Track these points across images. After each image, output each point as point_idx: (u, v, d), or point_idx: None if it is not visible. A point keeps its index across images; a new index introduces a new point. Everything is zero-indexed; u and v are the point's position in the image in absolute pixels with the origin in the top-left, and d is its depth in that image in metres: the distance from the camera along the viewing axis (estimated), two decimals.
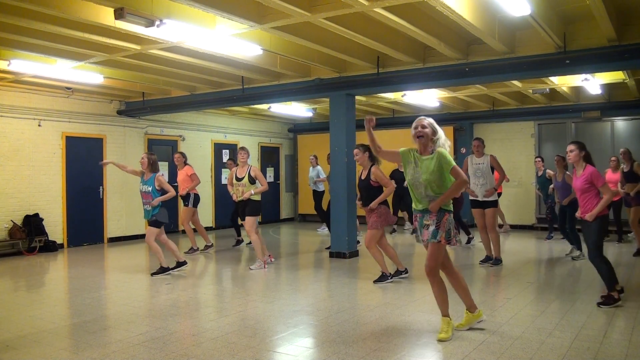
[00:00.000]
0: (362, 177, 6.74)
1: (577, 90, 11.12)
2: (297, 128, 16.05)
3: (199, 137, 13.25)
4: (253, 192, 7.72)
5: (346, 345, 4.28)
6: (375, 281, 6.71)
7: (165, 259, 7.43)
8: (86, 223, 10.78)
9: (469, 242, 10.22)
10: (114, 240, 11.19)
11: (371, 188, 6.60)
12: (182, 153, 9.64)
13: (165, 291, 6.54)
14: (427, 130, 4.34)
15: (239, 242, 10.47)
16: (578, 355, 4.04)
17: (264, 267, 7.83)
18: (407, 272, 6.94)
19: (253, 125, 14.91)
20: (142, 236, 11.65)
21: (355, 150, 6.76)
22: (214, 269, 8.30)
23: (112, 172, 10.92)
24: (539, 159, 10.71)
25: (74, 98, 10.63)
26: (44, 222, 9.91)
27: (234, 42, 6.71)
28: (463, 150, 13.54)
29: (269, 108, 12.19)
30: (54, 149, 10.29)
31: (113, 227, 11.23)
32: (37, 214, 9.84)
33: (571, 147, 5.53)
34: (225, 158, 13.68)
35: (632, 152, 9.09)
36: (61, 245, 10.30)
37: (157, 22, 5.71)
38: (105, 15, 5.82)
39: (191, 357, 4.06)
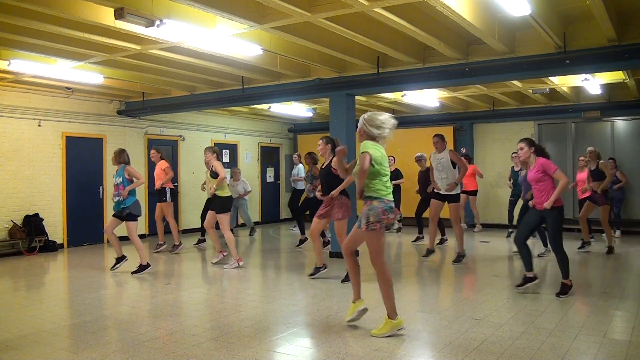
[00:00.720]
0: (323, 167, 6.87)
1: (577, 90, 11.12)
2: (297, 128, 16.04)
3: (199, 137, 13.24)
4: (213, 187, 7.93)
5: (346, 345, 4.28)
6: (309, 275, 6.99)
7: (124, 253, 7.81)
8: (86, 223, 10.77)
9: (441, 242, 10.16)
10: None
11: (333, 176, 6.52)
12: (157, 149, 9.84)
13: (165, 291, 6.54)
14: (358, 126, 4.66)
15: (200, 241, 10.54)
16: (578, 355, 4.04)
17: (238, 265, 7.93)
18: (326, 268, 7.12)
19: (253, 125, 14.91)
20: (142, 236, 11.66)
21: (319, 142, 6.83)
22: (213, 269, 8.29)
23: (112, 172, 10.89)
24: (516, 154, 10.86)
25: (74, 98, 10.63)
26: (44, 222, 9.91)
27: (234, 42, 6.70)
28: (463, 150, 13.53)
29: (269, 108, 12.18)
30: (54, 149, 10.30)
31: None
32: (37, 214, 9.83)
33: (520, 145, 5.91)
34: (225, 158, 13.69)
35: (599, 152, 9.32)
36: (61, 245, 10.30)
37: (157, 22, 5.70)
38: (105, 15, 5.82)
39: (191, 357, 4.06)
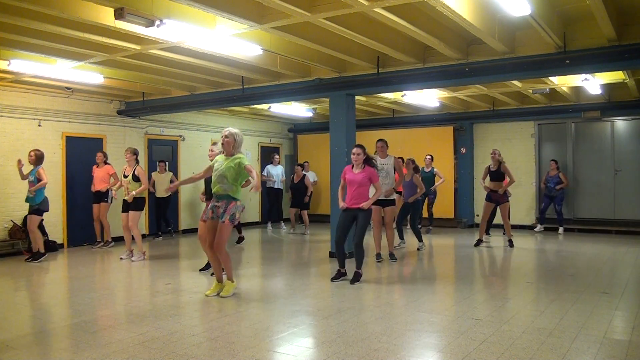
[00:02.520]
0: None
1: (577, 90, 11.13)
2: (297, 128, 16.04)
3: (199, 137, 13.24)
4: (135, 193, 8.48)
5: (346, 345, 4.28)
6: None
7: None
8: (86, 223, 10.76)
9: (398, 245, 9.96)
10: (114, 240, 11.16)
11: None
12: (103, 152, 10.22)
13: (165, 291, 6.54)
14: (228, 139, 5.86)
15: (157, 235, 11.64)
16: (578, 355, 4.04)
17: (144, 258, 8.71)
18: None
19: (253, 125, 14.91)
20: (142, 236, 11.66)
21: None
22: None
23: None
24: (429, 157, 11.92)
25: (74, 98, 10.62)
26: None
27: (234, 42, 6.70)
28: (463, 151, 13.55)
29: (269, 108, 12.18)
30: (54, 149, 10.29)
31: (113, 227, 11.19)
32: None
33: (358, 150, 6.69)
34: None
35: (502, 154, 10.01)
36: (61, 245, 10.30)
37: (157, 22, 5.70)
38: (105, 15, 5.82)
39: (191, 357, 4.06)
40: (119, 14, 5.37)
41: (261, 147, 15.23)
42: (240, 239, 10.61)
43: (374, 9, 5.49)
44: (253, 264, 8.73)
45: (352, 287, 6.59)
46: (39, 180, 8.51)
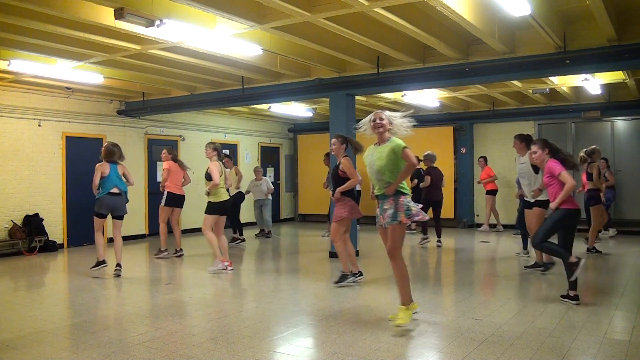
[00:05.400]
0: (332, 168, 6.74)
1: (577, 90, 11.12)
2: (297, 128, 16.04)
3: (199, 137, 13.24)
4: (207, 189, 7.51)
5: (346, 345, 4.28)
6: (335, 282, 6.55)
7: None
8: (86, 223, 10.74)
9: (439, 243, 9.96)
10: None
11: (339, 178, 6.47)
12: (169, 149, 9.31)
13: (165, 291, 6.54)
14: (384, 122, 4.78)
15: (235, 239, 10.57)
16: (578, 355, 4.04)
17: (226, 269, 7.56)
18: (361, 275, 6.69)
19: (253, 125, 14.91)
20: (142, 236, 11.68)
21: (333, 140, 6.58)
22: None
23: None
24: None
25: (74, 98, 10.62)
26: (44, 222, 9.91)
27: (234, 42, 6.70)
28: (463, 151, 13.54)
29: (269, 108, 12.18)
30: (54, 149, 10.29)
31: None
32: (37, 214, 9.83)
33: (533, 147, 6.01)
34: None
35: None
36: (61, 245, 10.30)
37: (157, 22, 5.70)
38: (105, 15, 5.81)
39: (191, 357, 4.06)
40: (119, 14, 5.37)
41: (261, 147, 15.24)
42: (239, 240, 10.60)
43: (374, 9, 5.49)
44: (251, 262, 8.73)
45: (352, 287, 6.58)
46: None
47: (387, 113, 4.82)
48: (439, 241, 9.96)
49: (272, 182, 15.28)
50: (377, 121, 4.77)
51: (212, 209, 7.54)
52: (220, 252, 7.57)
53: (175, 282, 7.22)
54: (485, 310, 5.37)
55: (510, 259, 8.71)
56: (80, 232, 10.66)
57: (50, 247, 9.85)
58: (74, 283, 7.22)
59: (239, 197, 10.79)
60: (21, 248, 9.49)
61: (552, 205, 5.58)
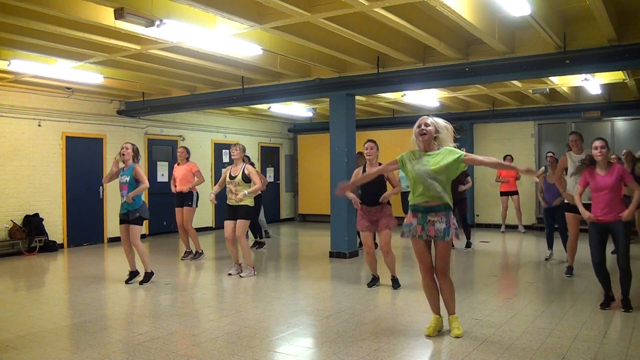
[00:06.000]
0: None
1: (577, 90, 11.13)
2: (297, 128, 16.05)
3: (199, 137, 13.25)
4: (247, 192, 7.00)
5: (346, 345, 4.28)
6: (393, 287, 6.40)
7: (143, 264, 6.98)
8: (86, 223, 10.77)
9: (468, 246, 9.83)
10: (114, 240, 11.16)
11: (380, 185, 6.14)
12: (185, 148, 9.02)
13: (165, 291, 6.54)
14: (430, 128, 4.42)
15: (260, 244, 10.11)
16: (578, 355, 4.04)
17: (254, 274, 7.38)
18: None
19: (253, 125, 14.91)
20: (143, 236, 11.67)
21: (370, 144, 6.20)
22: (213, 270, 8.29)
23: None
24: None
25: (74, 98, 10.62)
26: (44, 222, 9.91)
27: (234, 42, 6.70)
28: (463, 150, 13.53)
29: (269, 108, 12.19)
30: (54, 149, 10.29)
31: (113, 227, 11.19)
32: (37, 214, 9.83)
33: (599, 143, 5.75)
34: (225, 158, 13.69)
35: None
36: (61, 245, 10.30)
37: (157, 22, 5.70)
38: (105, 15, 5.82)
39: (191, 357, 4.06)
40: (119, 14, 5.37)
41: (261, 147, 15.24)
42: (261, 244, 10.11)
43: (374, 9, 5.49)
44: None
45: (352, 287, 6.58)
46: (136, 180, 6.86)
47: (431, 119, 4.49)
48: (468, 242, 9.70)
49: (272, 182, 15.37)
50: (422, 127, 4.43)
51: (249, 213, 7.16)
52: (240, 256, 7.39)
53: (175, 282, 7.21)
54: (485, 310, 5.37)
55: (510, 258, 8.71)
56: (81, 232, 10.67)
57: (50, 247, 9.85)
58: (73, 283, 7.22)
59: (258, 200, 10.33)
60: (21, 248, 9.49)
61: (625, 214, 5.20)
